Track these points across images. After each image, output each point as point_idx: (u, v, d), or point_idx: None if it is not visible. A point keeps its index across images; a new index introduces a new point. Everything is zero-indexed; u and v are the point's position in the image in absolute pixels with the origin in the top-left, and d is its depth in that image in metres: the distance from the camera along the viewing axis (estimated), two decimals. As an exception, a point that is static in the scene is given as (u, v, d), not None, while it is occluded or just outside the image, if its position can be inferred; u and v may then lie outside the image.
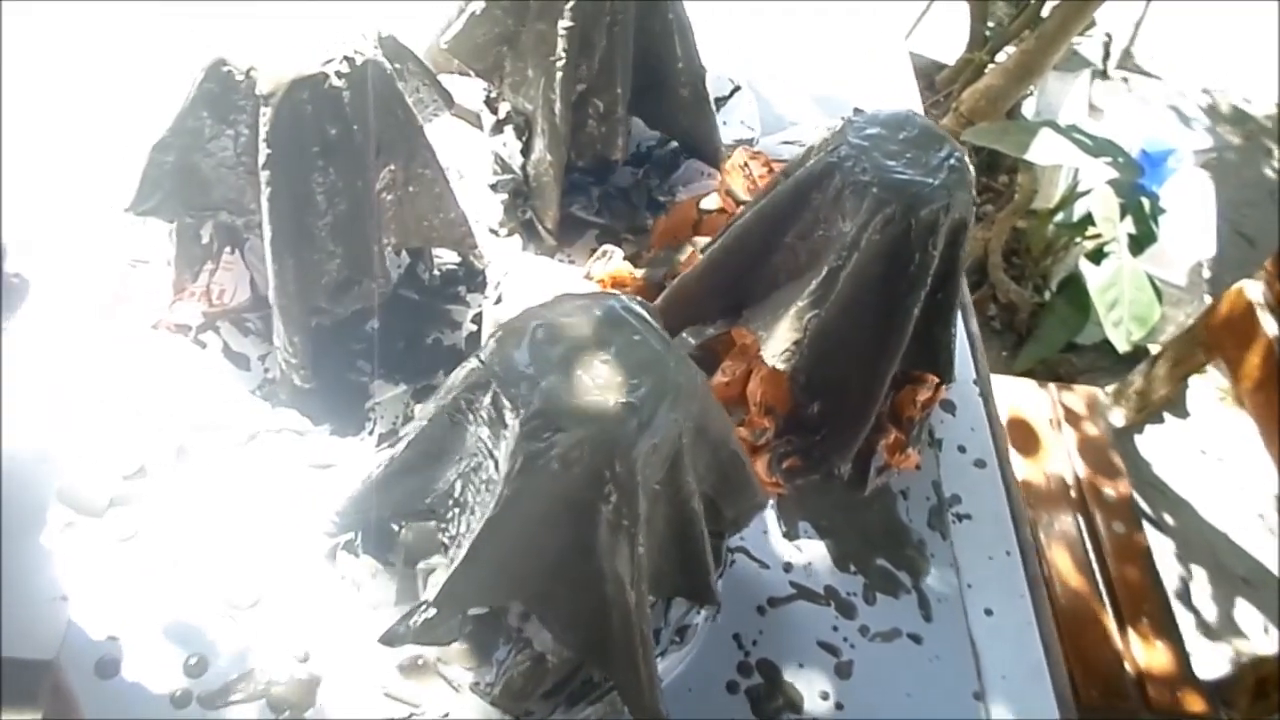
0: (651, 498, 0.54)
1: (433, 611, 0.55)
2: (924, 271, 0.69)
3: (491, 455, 0.55)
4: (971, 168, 0.69)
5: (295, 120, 0.65)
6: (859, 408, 0.75)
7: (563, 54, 0.79)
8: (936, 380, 0.81)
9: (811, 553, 0.76)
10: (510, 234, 0.88)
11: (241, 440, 0.73)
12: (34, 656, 0.63)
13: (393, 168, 0.72)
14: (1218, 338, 1.36)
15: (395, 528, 0.68)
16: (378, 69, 0.67)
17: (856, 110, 0.73)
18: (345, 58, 0.66)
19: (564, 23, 0.78)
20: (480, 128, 0.89)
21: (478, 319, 0.81)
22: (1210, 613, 1.77)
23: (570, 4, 0.78)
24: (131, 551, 0.68)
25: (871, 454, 0.79)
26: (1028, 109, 2.19)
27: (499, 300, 0.83)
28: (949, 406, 0.87)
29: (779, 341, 0.71)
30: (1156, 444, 1.93)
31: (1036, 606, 0.77)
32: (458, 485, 0.59)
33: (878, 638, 0.73)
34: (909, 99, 1.12)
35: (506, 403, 0.53)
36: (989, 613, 0.76)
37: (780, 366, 0.70)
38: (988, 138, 1.84)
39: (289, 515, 0.70)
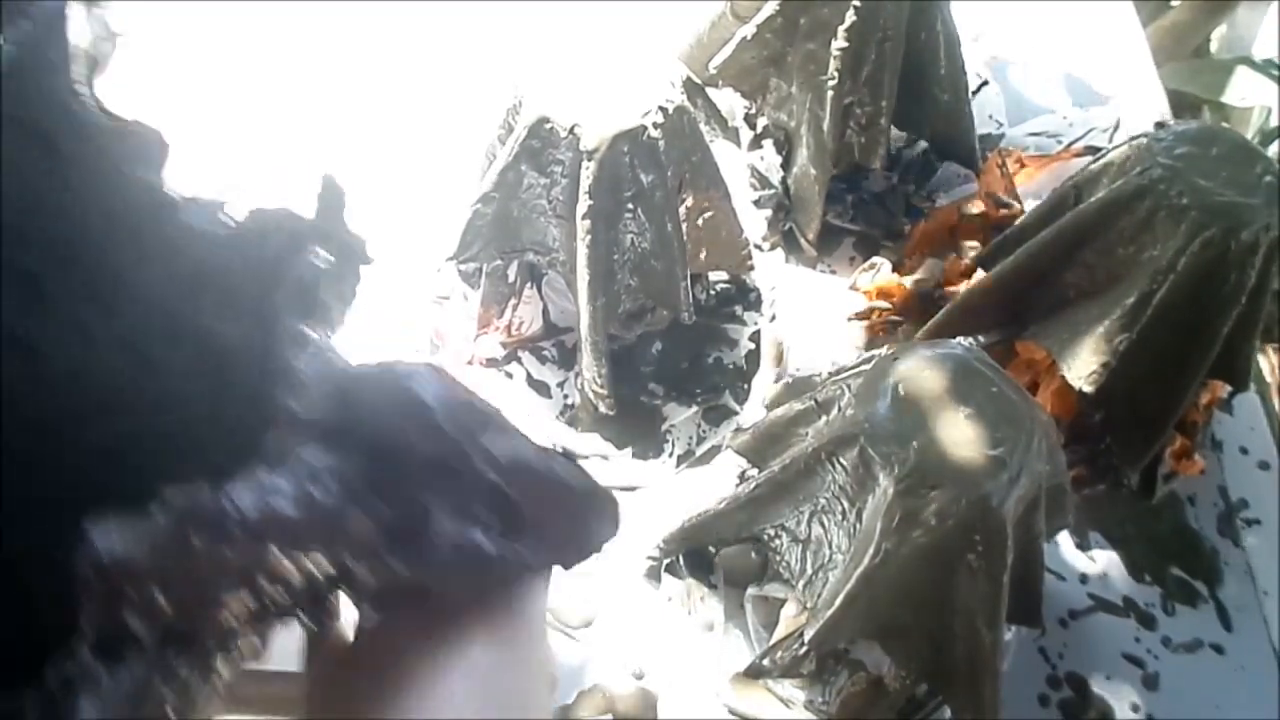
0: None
1: (803, 650, 0.59)
2: (1239, 291, 0.68)
3: (852, 502, 0.58)
4: (1291, 181, 0.68)
5: (615, 171, 0.68)
6: (1155, 422, 0.75)
7: (835, 74, 0.80)
8: (1218, 381, 0.80)
9: (1105, 563, 0.77)
10: (773, 248, 0.89)
11: (555, 466, 0.78)
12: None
13: (689, 203, 0.74)
14: None
15: (711, 550, 0.72)
16: (688, 115, 0.69)
17: (1158, 124, 0.72)
18: (660, 107, 0.68)
19: (838, 44, 0.79)
20: (736, 142, 0.91)
21: (755, 337, 0.84)
22: None
23: (845, 26, 0.78)
24: (471, 575, 0.73)
25: (1158, 461, 0.79)
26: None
27: (773, 318, 0.85)
28: (1225, 406, 0.86)
29: (1084, 364, 0.71)
30: None
31: (1336, 612, 0.77)
32: (800, 521, 0.62)
33: (1180, 649, 0.74)
34: (1147, 81, 1.08)
35: (877, 459, 0.55)
36: (1289, 621, 0.76)
37: (1087, 389, 0.71)
38: (1176, 79, 1.74)
39: (606, 537, 0.75)
